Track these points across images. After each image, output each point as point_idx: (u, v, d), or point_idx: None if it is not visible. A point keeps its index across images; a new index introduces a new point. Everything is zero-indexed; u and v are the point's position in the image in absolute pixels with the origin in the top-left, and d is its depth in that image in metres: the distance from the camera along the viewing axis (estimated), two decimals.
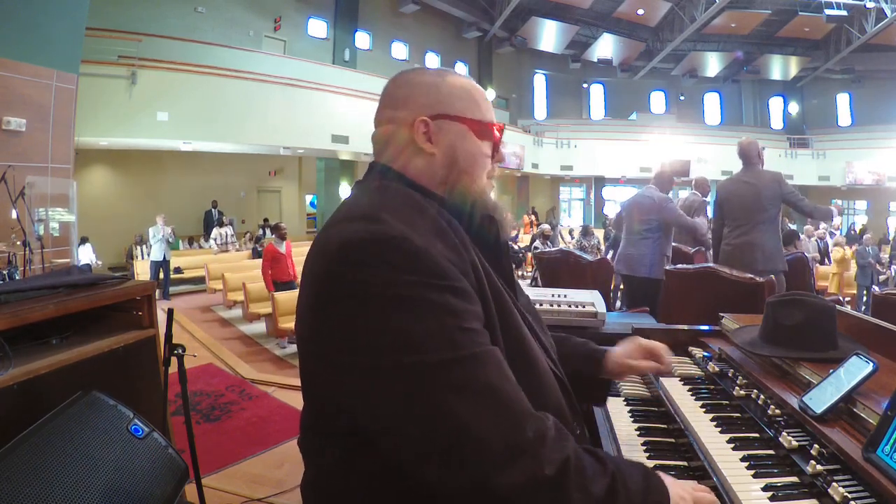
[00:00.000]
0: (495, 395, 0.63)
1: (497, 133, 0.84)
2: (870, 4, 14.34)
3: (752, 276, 2.43)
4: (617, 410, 1.14)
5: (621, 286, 4.96)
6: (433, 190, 0.80)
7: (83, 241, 8.48)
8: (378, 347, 0.63)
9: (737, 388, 1.07)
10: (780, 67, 18.47)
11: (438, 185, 0.81)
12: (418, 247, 0.65)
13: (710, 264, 2.79)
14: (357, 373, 0.64)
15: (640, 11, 16.91)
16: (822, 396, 0.87)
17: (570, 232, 14.76)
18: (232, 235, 11.01)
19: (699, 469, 0.88)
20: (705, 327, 1.45)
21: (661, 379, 1.21)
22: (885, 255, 9.60)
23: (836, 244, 9.01)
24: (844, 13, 14.50)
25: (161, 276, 8.46)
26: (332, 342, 0.66)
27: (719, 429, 0.95)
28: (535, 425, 0.64)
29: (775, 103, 20.51)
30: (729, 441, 0.91)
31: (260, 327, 6.28)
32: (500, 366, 0.66)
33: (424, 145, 0.79)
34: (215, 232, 10.77)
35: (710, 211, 4.79)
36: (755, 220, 3.32)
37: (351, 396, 0.66)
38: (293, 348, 5.44)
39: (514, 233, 11.91)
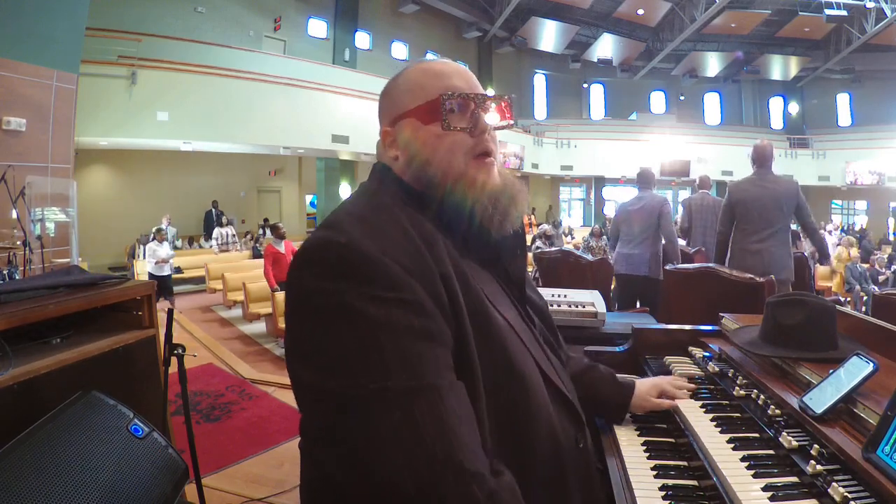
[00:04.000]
0: (419, 446, 0.55)
1: (450, 103, 0.77)
2: (870, 4, 14.35)
3: (751, 276, 2.42)
4: None
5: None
6: (428, 191, 0.77)
7: (154, 236, 7.08)
8: (308, 361, 0.62)
9: (737, 388, 1.07)
10: (780, 67, 18.47)
11: (427, 186, 0.77)
12: (366, 254, 0.61)
13: (711, 264, 2.78)
14: (294, 380, 0.65)
15: (640, 11, 16.92)
16: (822, 396, 0.87)
17: (570, 231, 14.75)
18: (233, 235, 11.00)
19: (699, 469, 0.88)
20: (705, 327, 1.44)
21: None
22: (884, 255, 9.61)
23: (838, 244, 9.03)
24: (844, 13, 14.51)
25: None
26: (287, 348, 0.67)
27: (719, 429, 0.95)
28: (461, 489, 0.55)
29: (775, 103, 20.53)
30: (729, 441, 0.91)
31: (260, 327, 6.28)
32: (438, 407, 0.57)
33: (391, 153, 0.80)
34: (216, 232, 10.76)
35: None
36: (773, 228, 3.21)
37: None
38: None
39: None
